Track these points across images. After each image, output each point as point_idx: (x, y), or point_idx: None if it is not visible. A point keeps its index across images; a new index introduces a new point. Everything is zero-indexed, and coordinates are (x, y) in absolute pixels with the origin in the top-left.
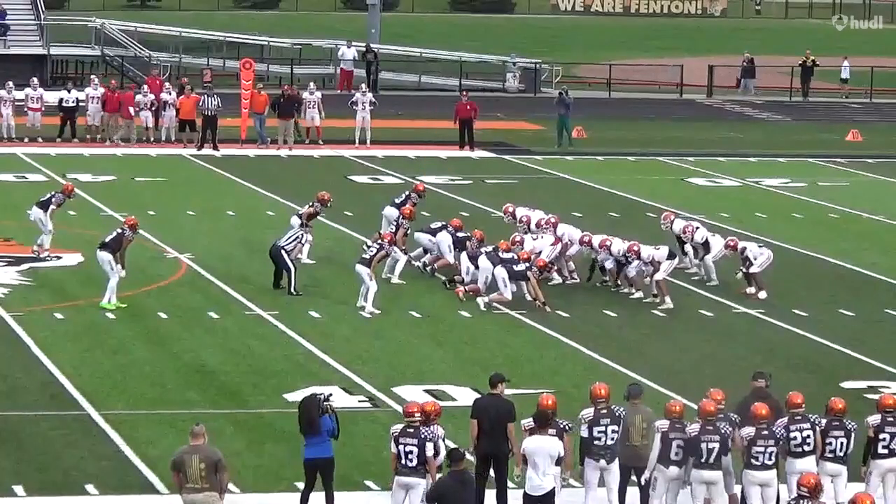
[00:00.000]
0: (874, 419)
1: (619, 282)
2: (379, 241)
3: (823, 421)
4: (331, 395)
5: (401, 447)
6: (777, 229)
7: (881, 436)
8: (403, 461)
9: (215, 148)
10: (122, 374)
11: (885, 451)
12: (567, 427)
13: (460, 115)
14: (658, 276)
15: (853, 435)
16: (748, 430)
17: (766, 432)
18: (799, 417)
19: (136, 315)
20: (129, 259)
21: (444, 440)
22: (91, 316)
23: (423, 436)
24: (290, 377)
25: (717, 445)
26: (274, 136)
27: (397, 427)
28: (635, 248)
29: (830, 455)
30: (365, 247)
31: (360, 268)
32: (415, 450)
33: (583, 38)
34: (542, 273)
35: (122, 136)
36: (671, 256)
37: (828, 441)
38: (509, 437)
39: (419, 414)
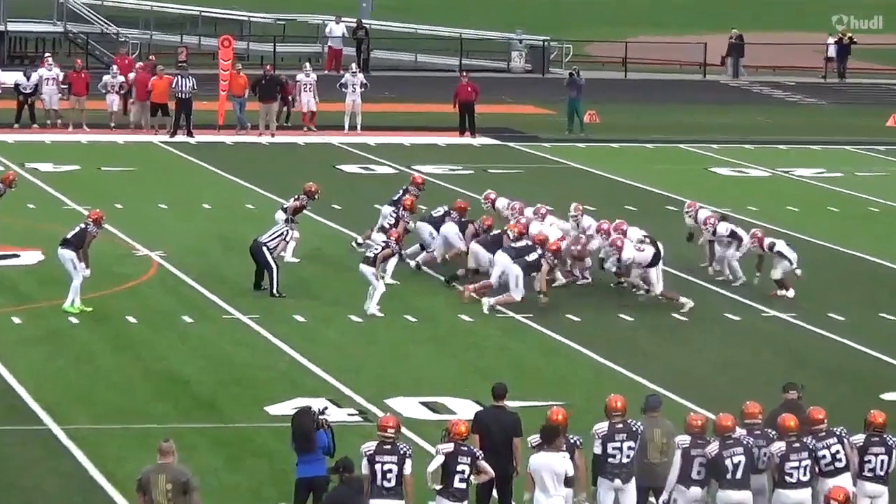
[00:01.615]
0: None
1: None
2: (385, 240)
3: (862, 437)
4: (326, 408)
5: (377, 466)
6: (810, 224)
7: None
8: (380, 481)
9: (190, 134)
10: (86, 384)
11: None
12: (578, 443)
13: (460, 97)
14: (657, 291)
15: (895, 452)
16: (778, 446)
17: (797, 445)
18: (823, 434)
19: (102, 319)
20: (94, 257)
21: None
22: (52, 320)
23: (402, 451)
24: (271, 388)
25: (742, 458)
26: (255, 121)
27: (370, 445)
28: (618, 244)
29: (870, 474)
30: (363, 243)
31: (364, 268)
32: (394, 468)
33: (596, 14)
34: (556, 258)
35: (135, 121)
36: (655, 259)
37: (867, 459)
38: (514, 455)
39: (392, 429)
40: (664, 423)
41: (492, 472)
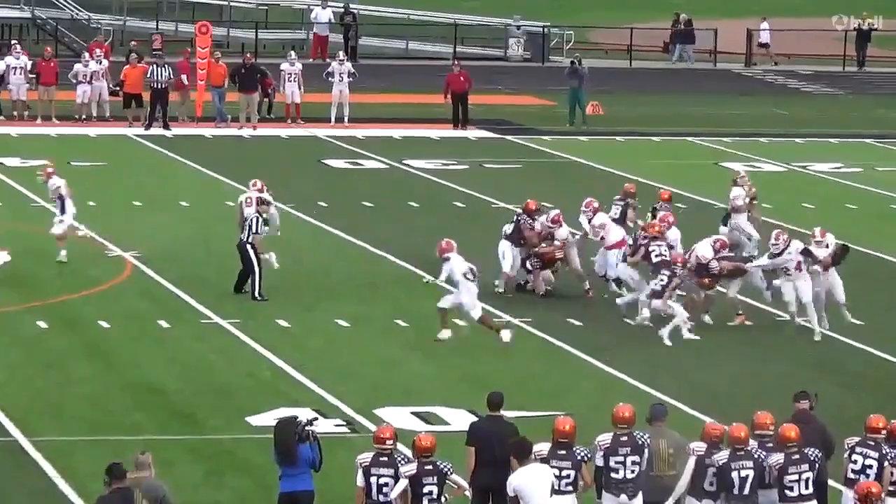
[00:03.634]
0: None
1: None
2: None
3: (886, 447)
4: (315, 419)
5: (373, 479)
6: (827, 222)
7: None
8: (375, 496)
9: (166, 127)
10: (56, 393)
11: None
12: (585, 457)
13: (453, 88)
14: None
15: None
16: (776, 458)
17: (797, 456)
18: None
19: (74, 324)
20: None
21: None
22: (20, 325)
23: (399, 465)
24: (254, 397)
25: (750, 472)
26: (235, 112)
27: (366, 456)
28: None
29: (893, 488)
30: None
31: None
32: (391, 481)
33: None
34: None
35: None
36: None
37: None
38: (513, 469)
39: (390, 441)
40: (670, 433)
41: (465, 484)
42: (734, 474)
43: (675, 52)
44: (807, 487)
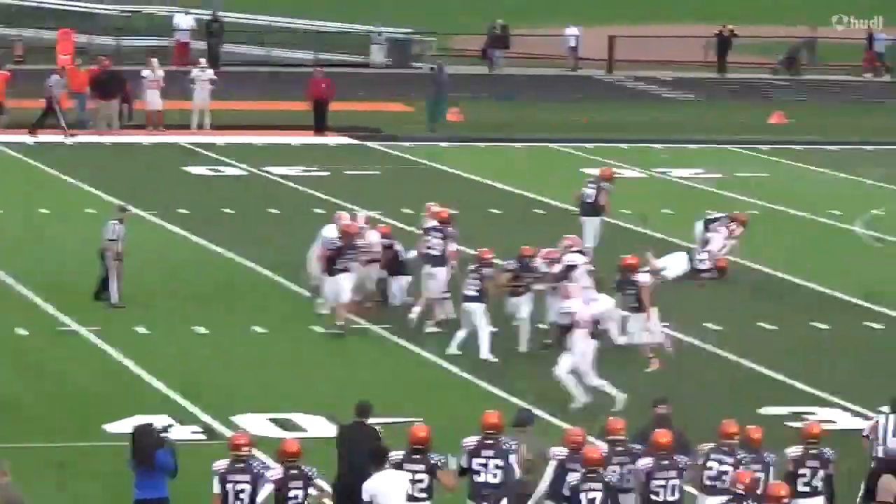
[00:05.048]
0: (794, 451)
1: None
2: None
3: (742, 452)
4: (171, 426)
5: (230, 486)
6: (686, 228)
7: (801, 471)
8: (233, 503)
9: (31, 133)
10: None
11: (807, 489)
12: (439, 463)
13: (314, 94)
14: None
15: (771, 469)
16: (645, 462)
17: (666, 462)
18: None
19: None
20: None
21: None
22: None
23: (256, 471)
24: (111, 405)
25: (598, 496)
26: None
27: (223, 463)
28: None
29: (808, 489)
30: None
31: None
32: (248, 487)
33: (461, 4)
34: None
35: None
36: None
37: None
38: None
39: (246, 447)
40: (533, 439)
41: (329, 489)
42: (582, 496)
43: (490, 57)
44: (672, 494)
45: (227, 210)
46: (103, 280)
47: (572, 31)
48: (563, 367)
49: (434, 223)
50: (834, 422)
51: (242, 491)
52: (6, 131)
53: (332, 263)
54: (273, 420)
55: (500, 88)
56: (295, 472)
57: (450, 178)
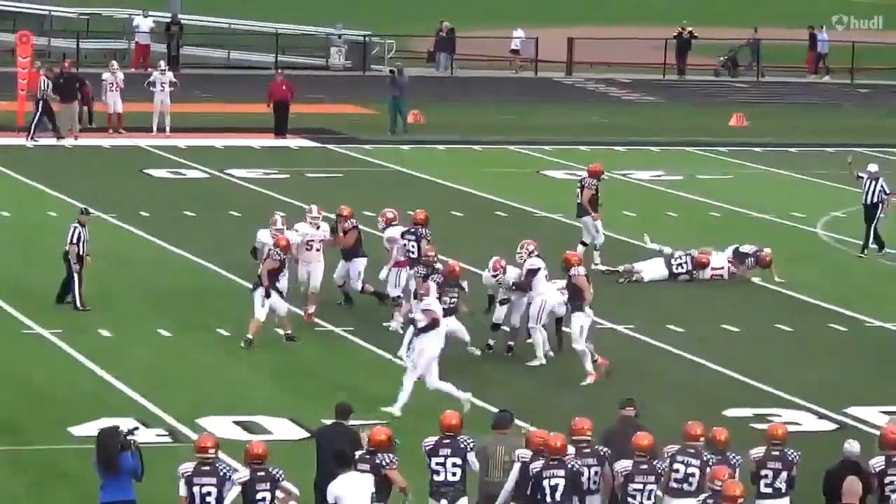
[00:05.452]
0: (757, 451)
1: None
2: None
3: (707, 454)
4: (136, 428)
5: (196, 489)
6: (647, 230)
7: (763, 472)
8: None
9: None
10: None
11: (769, 490)
12: (384, 461)
13: (275, 97)
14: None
15: (738, 470)
16: (625, 464)
17: (645, 466)
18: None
19: None
20: None
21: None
22: None
23: (222, 473)
24: (76, 408)
25: (560, 482)
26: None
27: (188, 465)
28: (502, 264)
29: (771, 490)
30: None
31: None
32: (214, 490)
33: (420, 5)
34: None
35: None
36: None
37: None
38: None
39: (212, 449)
40: (511, 441)
41: (296, 491)
42: (544, 483)
43: (440, 61)
44: (649, 499)
45: (189, 212)
46: (66, 283)
47: (518, 33)
48: (433, 379)
49: (398, 227)
50: (799, 424)
51: (209, 493)
52: None
53: (275, 279)
54: (238, 423)
55: (456, 91)
56: (262, 473)
57: (411, 181)
